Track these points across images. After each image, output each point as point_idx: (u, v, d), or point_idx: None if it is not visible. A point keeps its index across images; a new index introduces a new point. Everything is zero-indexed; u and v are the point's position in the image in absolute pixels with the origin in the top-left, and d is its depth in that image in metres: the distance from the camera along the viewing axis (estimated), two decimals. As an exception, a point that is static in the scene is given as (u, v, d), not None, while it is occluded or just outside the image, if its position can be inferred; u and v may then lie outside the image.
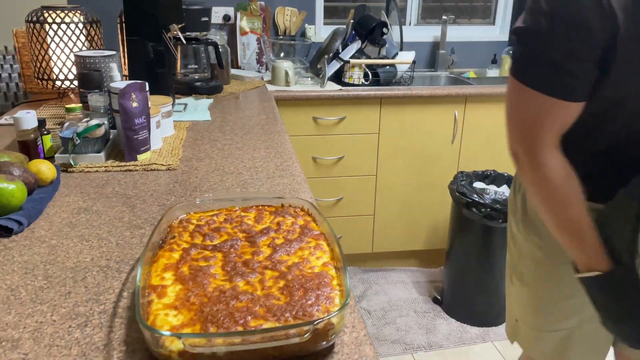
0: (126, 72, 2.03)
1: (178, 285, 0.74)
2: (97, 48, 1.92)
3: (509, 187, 2.28)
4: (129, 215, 1.07)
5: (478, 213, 2.08)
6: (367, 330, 0.73)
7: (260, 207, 0.98)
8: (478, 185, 2.27)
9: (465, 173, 2.29)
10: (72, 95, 1.97)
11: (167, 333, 0.61)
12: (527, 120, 0.90)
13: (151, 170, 1.32)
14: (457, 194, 2.12)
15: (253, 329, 0.64)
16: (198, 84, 2.18)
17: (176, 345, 0.62)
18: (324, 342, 0.66)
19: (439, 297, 2.43)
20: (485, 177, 2.32)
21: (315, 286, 0.72)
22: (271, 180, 1.26)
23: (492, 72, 2.85)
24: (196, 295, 0.71)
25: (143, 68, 1.80)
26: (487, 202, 2.05)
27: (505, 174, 2.30)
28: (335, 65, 2.48)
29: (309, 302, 0.69)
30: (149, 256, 0.80)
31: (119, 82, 1.45)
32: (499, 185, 2.30)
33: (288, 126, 2.20)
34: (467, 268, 2.24)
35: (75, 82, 1.88)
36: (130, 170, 1.31)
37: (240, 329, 0.64)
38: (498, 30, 3.07)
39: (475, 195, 2.07)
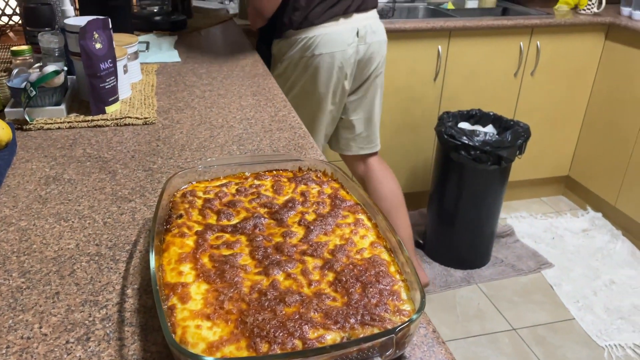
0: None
1: (203, 285, 0.59)
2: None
3: (494, 127, 2.20)
4: (110, 184, 0.89)
5: (467, 155, 1.99)
6: (433, 325, 0.62)
7: (275, 172, 0.83)
8: (464, 125, 2.17)
9: (451, 114, 2.18)
10: (10, 34, 1.68)
11: (212, 360, 0.47)
12: None
13: (125, 125, 1.12)
14: (446, 136, 2.02)
15: (318, 345, 0.51)
16: (158, 18, 1.91)
17: (222, 372, 0.48)
18: (398, 351, 0.54)
19: (421, 241, 2.38)
20: (470, 117, 2.22)
21: (373, 278, 0.60)
22: (270, 134, 1.10)
23: (472, 4, 2.69)
24: (230, 299, 0.57)
25: (95, 1, 1.53)
26: (476, 144, 1.96)
27: (491, 113, 2.21)
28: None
29: (373, 302, 0.57)
30: (156, 244, 0.64)
31: (73, 19, 1.20)
32: (484, 125, 2.21)
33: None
34: (453, 210, 2.18)
35: (15, 18, 1.59)
36: (100, 126, 1.11)
37: (298, 343, 0.51)
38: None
39: (464, 138, 1.98)
